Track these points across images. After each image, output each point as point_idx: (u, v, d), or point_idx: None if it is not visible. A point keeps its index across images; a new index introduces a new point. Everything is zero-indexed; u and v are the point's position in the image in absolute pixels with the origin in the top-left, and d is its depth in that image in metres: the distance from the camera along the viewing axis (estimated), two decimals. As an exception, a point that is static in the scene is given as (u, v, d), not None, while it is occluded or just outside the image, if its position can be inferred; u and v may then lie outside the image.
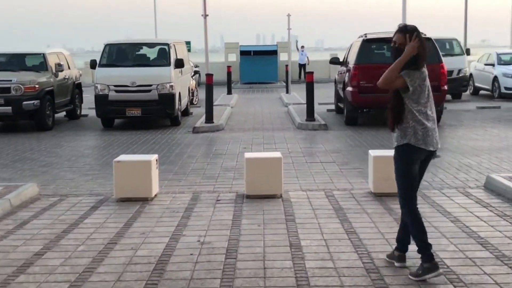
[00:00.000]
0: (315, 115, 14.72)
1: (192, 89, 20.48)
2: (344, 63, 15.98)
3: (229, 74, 24.68)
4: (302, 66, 34.53)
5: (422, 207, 6.68)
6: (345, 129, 13.77)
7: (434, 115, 4.74)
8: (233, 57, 36.02)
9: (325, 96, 24.45)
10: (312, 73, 14.27)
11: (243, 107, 19.88)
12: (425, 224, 4.86)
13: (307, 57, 34.93)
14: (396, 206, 6.67)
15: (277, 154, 7.43)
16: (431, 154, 4.79)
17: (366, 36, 13.96)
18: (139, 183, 7.20)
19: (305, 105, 19.03)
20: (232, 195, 7.50)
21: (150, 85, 14.23)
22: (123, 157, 7.56)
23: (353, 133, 13.08)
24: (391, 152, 7.59)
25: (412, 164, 4.71)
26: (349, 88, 13.80)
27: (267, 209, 6.73)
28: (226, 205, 6.99)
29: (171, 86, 14.32)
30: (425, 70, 4.71)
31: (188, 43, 36.47)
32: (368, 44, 13.75)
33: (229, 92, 24.23)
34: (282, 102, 21.24)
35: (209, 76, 14.33)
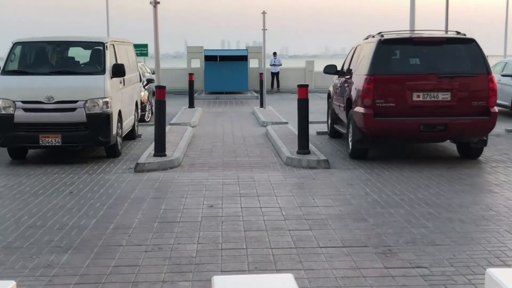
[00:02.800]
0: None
1: (143, 103, 16.22)
2: (344, 72, 11.97)
3: (191, 83, 20.45)
4: (275, 75, 30.57)
5: None
6: (354, 166, 9.70)
7: None
8: (197, 63, 31.82)
9: (306, 110, 20.45)
10: (306, 86, 10.14)
11: (208, 126, 15.68)
12: None
13: (280, 63, 31.02)
14: None
15: (287, 280, 3.23)
16: None
17: (383, 36, 9.92)
18: None
19: (287, 125, 15.01)
20: None
21: (75, 101, 9.93)
22: None
23: (368, 175, 9.01)
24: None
25: None
26: (359, 109, 9.75)
27: None
28: None
29: (106, 103, 10.05)
30: None
31: (144, 46, 32.15)
32: (387, 48, 9.71)
33: (191, 105, 20.01)
34: (257, 119, 17.10)
35: (161, 89, 10.07)
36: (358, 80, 10.10)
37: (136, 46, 33.05)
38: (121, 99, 11.17)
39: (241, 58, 28.05)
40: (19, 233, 6.17)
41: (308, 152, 10.07)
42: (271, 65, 30.21)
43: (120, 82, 11.15)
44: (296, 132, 13.29)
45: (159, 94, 9.93)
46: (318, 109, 20.86)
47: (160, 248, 5.62)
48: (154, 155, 9.96)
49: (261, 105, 19.90)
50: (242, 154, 11.04)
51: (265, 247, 5.64)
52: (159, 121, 9.89)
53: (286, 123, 15.51)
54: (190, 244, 5.74)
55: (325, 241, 5.80)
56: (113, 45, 11.14)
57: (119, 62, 11.04)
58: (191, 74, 20.80)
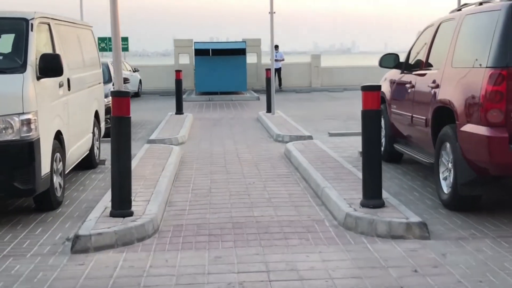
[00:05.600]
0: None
1: (113, 111, 11.89)
2: (413, 65, 7.74)
3: (178, 82, 16.08)
4: (276, 71, 26.22)
5: None
6: (468, 230, 5.42)
7: None
8: (186, 59, 27.54)
9: (321, 115, 16.19)
10: (377, 89, 5.77)
11: (203, 143, 11.37)
12: None
13: (282, 58, 26.74)
14: None
15: None
16: None
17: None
18: None
19: (313, 141, 10.70)
20: None
21: (-31, 122, 5.62)
22: None
23: (515, 257, 4.77)
24: None
25: None
26: (477, 129, 5.47)
27: None
28: None
29: (27, 123, 5.73)
30: None
31: (124, 39, 27.73)
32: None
33: (179, 111, 15.67)
34: (267, 130, 12.80)
35: (121, 98, 5.64)
36: (465, 78, 5.82)
37: (115, 39, 28.71)
38: (63, 112, 6.86)
39: (238, 52, 23.72)
40: None
41: (382, 204, 5.78)
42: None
43: (61, 86, 6.83)
44: (333, 154, 9.08)
45: (118, 106, 5.54)
46: (336, 113, 16.65)
47: None
48: (111, 215, 5.63)
49: (268, 110, 15.62)
50: (261, 200, 6.74)
51: None
52: (118, 158, 5.53)
53: (311, 137, 11.22)
54: None
55: None
56: (49, 26, 6.83)
57: (57, 51, 6.75)
58: (178, 72, 16.42)
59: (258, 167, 8.77)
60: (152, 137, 11.34)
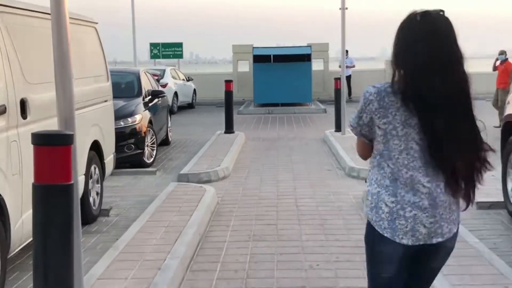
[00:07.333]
0: None
1: (139, 133, 9.33)
2: None
3: (228, 95, 13.38)
4: (346, 79, 23.13)
5: None
6: None
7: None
8: (246, 66, 24.89)
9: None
10: None
11: (250, 179, 8.53)
12: None
13: (352, 64, 23.74)
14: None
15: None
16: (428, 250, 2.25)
17: None
18: None
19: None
20: None
21: None
22: None
23: None
24: None
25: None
26: None
27: None
28: None
29: None
30: None
31: (178, 45, 25.46)
32: None
33: (229, 129, 12.96)
34: (336, 157, 9.88)
35: (48, 148, 2.84)
36: None
37: (169, 45, 26.42)
38: (3, 159, 4.23)
39: (303, 58, 20.83)
40: None
41: None
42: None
43: (1, 113, 4.20)
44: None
45: (45, 162, 2.74)
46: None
47: None
48: None
49: (337, 128, 12.69)
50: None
51: None
52: (45, 273, 2.78)
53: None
54: None
55: None
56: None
57: (2, 57, 4.15)
58: (228, 82, 13.70)
59: (324, 228, 5.90)
60: (185, 170, 8.62)
